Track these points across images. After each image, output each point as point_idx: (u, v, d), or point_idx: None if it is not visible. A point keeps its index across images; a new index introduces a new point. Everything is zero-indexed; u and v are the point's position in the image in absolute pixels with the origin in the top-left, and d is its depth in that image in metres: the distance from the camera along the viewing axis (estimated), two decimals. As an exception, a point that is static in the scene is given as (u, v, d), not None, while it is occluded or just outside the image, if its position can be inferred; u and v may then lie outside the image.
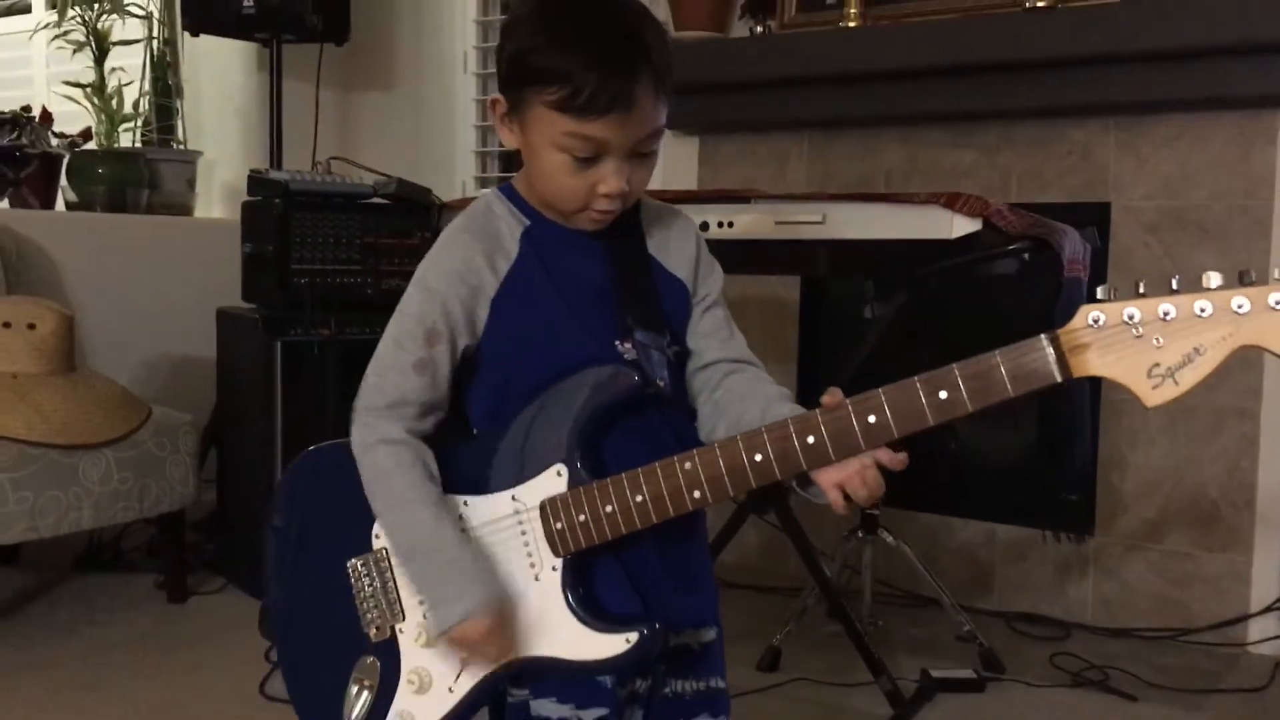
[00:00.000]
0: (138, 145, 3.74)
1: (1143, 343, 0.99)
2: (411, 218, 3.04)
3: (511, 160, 3.89)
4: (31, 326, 2.60)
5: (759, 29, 3.11)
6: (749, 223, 2.00)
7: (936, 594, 2.63)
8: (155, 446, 2.73)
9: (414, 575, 1.15)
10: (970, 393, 1.04)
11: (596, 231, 1.18)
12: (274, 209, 2.91)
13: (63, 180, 3.51)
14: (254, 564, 2.91)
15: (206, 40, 3.55)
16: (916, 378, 1.06)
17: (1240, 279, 0.97)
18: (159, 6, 3.76)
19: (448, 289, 1.15)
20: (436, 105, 3.89)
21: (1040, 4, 2.63)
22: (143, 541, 3.20)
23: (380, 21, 3.87)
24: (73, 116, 3.58)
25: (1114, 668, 2.51)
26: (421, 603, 1.16)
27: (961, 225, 1.84)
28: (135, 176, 3.56)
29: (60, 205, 3.53)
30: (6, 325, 2.58)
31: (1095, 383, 2.75)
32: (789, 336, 3.18)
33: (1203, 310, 0.97)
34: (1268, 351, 0.97)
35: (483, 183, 3.87)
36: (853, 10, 2.88)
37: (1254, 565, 2.67)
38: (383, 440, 1.14)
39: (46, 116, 3.51)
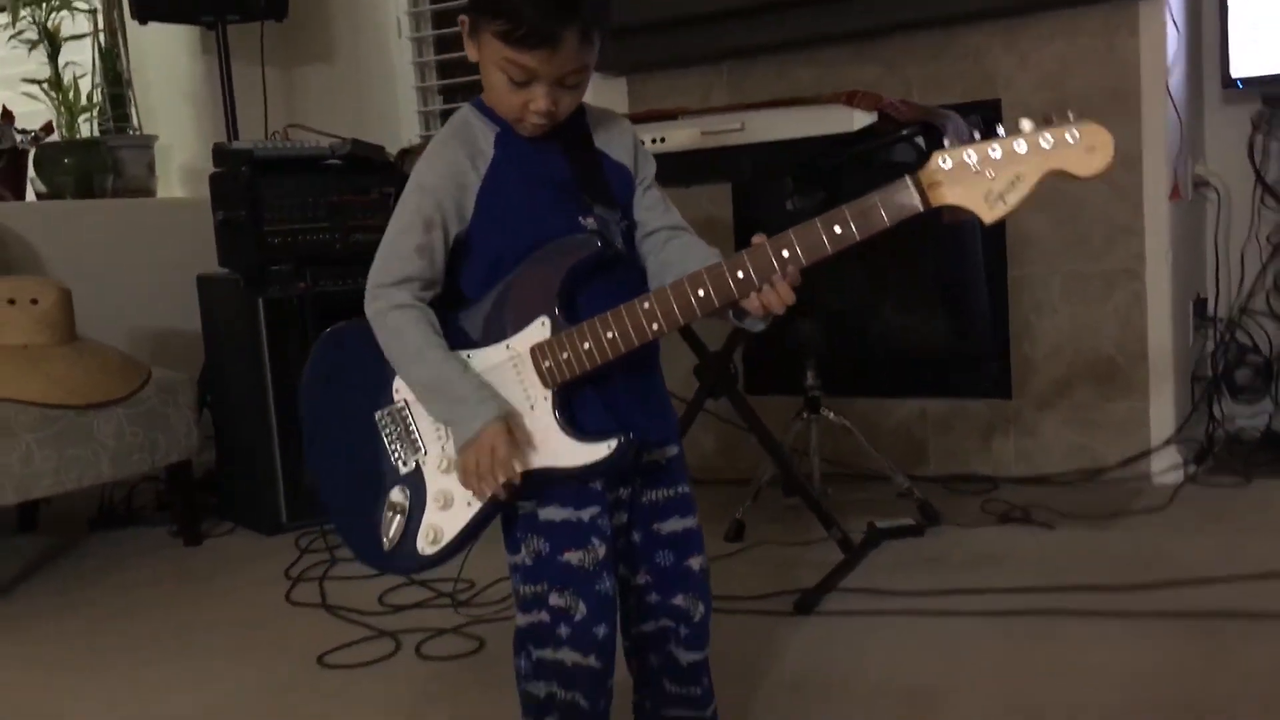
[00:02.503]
0: (97, 134, 3.93)
1: (979, 176, 1.30)
2: (369, 176, 3.30)
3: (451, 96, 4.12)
4: (34, 301, 2.83)
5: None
6: (679, 137, 2.28)
7: (877, 462, 2.96)
8: (159, 403, 2.97)
9: (434, 409, 1.42)
10: (857, 226, 1.34)
11: (552, 133, 1.45)
12: (241, 177, 3.15)
13: (30, 173, 3.71)
14: (259, 505, 3.18)
15: (152, 29, 3.75)
16: (817, 218, 1.36)
17: (1046, 121, 1.27)
18: None
19: (440, 185, 1.42)
20: (376, 71, 4.12)
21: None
22: (151, 500, 3.44)
23: (313, -3, 4.09)
24: (33, 113, 3.77)
25: (1035, 506, 2.85)
26: (440, 436, 1.44)
27: (860, 119, 2.13)
28: (99, 164, 3.76)
29: (31, 196, 3.73)
30: (11, 302, 2.80)
31: (999, 267, 3.09)
32: (726, 252, 3.47)
33: (1019, 148, 1.28)
34: (1067, 174, 1.28)
35: (427, 140, 4.10)
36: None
37: (1151, 407, 3.02)
38: (393, 306, 1.41)
39: (8, 114, 3.70)
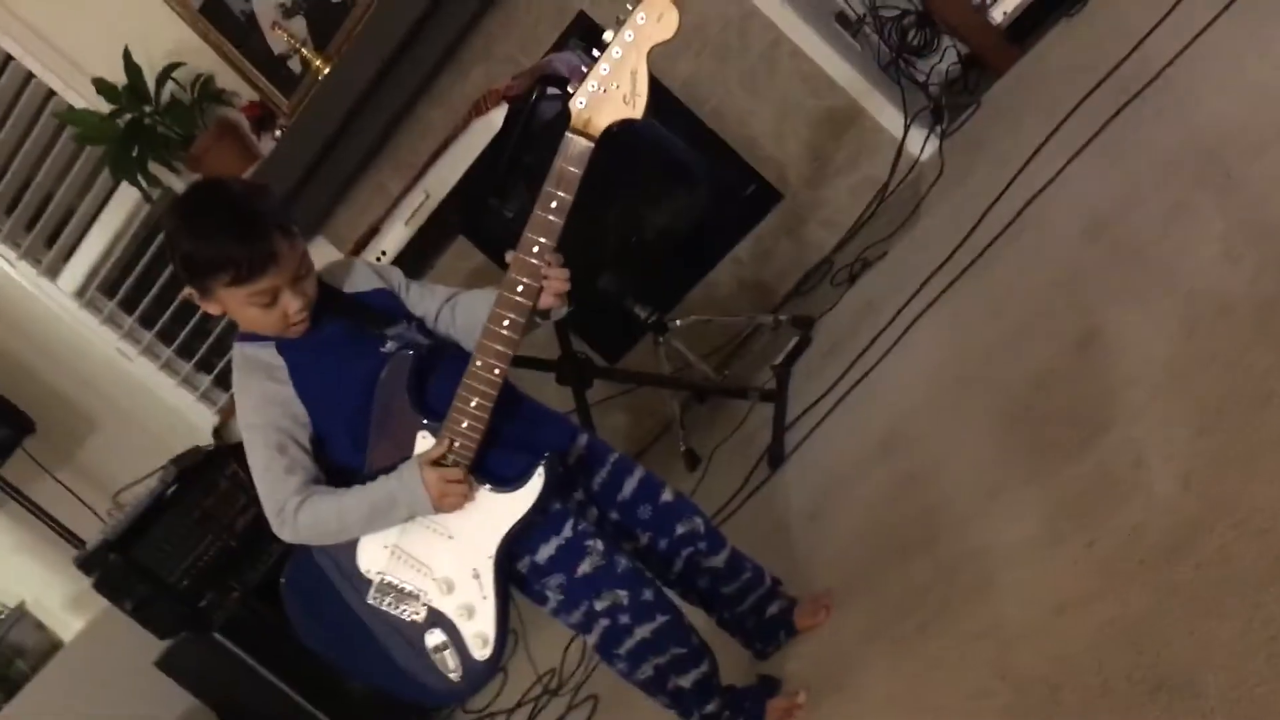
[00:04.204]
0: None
1: (610, 93, 1.54)
2: (208, 473, 3.40)
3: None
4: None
5: (278, 132, 3.57)
6: (393, 240, 2.49)
7: (740, 323, 3.23)
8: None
9: (384, 523, 1.62)
10: (564, 190, 1.56)
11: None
12: (116, 565, 3.24)
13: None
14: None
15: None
16: (535, 207, 1.57)
17: (619, 21, 1.51)
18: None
19: (266, 416, 1.62)
20: (135, 397, 4.21)
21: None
22: None
23: (38, 388, 4.13)
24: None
25: (865, 251, 3.15)
26: (421, 571, 1.64)
27: (497, 116, 2.37)
28: (4, 660, 3.78)
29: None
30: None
31: (693, 119, 3.36)
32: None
33: (617, 53, 1.53)
34: (661, 44, 1.52)
35: (225, 409, 4.21)
36: (316, 64, 3.37)
37: (877, 115, 3.33)
38: (294, 511, 1.60)
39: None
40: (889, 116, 3.35)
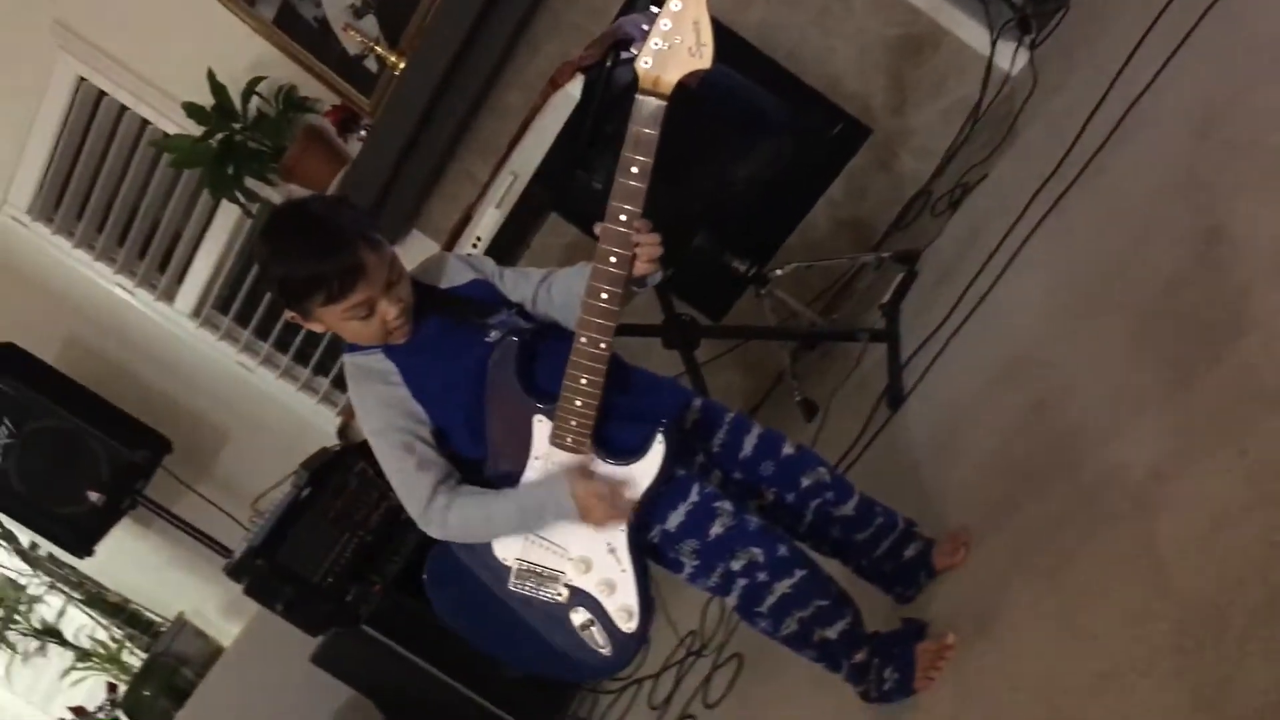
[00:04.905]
0: (144, 655, 4.15)
1: (675, 48, 1.49)
2: (338, 473, 3.50)
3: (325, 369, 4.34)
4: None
5: (362, 132, 3.61)
6: (487, 226, 2.50)
7: (842, 265, 3.17)
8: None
9: (531, 528, 1.65)
10: (643, 153, 1.52)
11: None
12: (263, 570, 3.35)
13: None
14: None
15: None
16: (617, 174, 1.56)
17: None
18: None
19: (388, 419, 1.64)
20: (257, 402, 4.33)
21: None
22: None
23: (170, 408, 4.28)
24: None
25: (963, 178, 3.06)
26: (558, 554, 1.65)
27: (575, 87, 2.35)
28: (171, 668, 3.98)
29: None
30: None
31: (769, 63, 3.30)
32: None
33: (676, 5, 1.47)
34: None
35: (331, 402, 4.31)
36: (391, 60, 3.40)
37: (963, 36, 3.23)
38: (442, 509, 1.63)
39: (80, 711, 3.92)
40: (974, 33, 3.24)
